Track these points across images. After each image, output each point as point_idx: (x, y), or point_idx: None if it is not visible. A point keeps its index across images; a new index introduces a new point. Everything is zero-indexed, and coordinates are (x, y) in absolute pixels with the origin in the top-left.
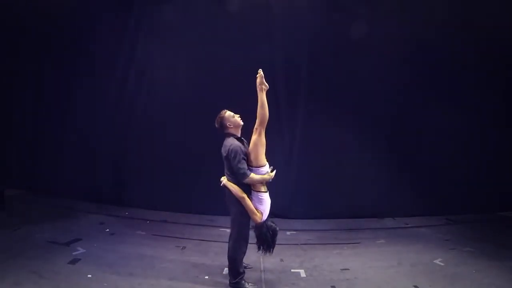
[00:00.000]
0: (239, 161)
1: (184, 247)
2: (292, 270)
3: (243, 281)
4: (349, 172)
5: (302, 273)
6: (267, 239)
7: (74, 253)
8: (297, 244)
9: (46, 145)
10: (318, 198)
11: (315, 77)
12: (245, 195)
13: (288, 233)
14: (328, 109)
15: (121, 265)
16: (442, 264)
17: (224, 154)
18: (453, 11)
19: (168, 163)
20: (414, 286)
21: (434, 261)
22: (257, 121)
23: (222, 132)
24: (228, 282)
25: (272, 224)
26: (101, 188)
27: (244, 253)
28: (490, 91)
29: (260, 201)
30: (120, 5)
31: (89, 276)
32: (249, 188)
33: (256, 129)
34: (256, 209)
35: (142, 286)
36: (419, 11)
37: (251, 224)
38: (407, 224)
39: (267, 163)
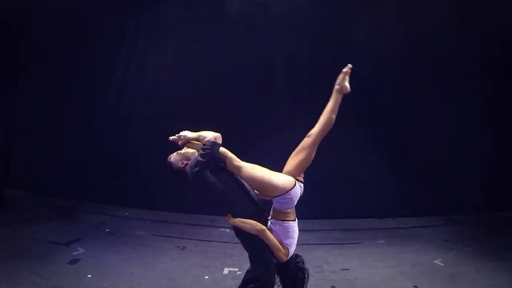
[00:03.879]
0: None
1: (184, 247)
2: None
3: None
4: (349, 172)
5: None
6: (296, 281)
7: (74, 253)
8: (297, 244)
9: (46, 145)
10: (318, 198)
11: (315, 77)
12: (264, 227)
13: None
14: None
15: (121, 265)
16: (442, 264)
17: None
18: (453, 10)
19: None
20: (414, 286)
21: (434, 261)
22: (318, 127)
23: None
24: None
25: (299, 261)
26: (101, 188)
27: None
28: (490, 91)
29: (287, 233)
30: (119, 5)
31: (89, 276)
32: (265, 218)
33: (310, 136)
34: (280, 242)
35: (142, 286)
36: (419, 10)
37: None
38: (407, 224)
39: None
